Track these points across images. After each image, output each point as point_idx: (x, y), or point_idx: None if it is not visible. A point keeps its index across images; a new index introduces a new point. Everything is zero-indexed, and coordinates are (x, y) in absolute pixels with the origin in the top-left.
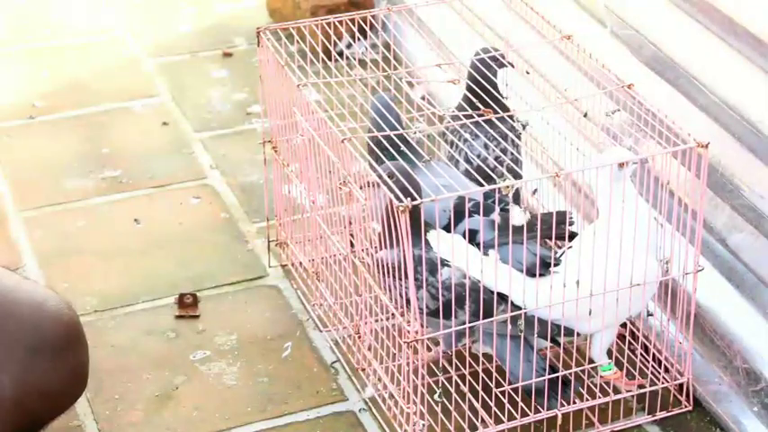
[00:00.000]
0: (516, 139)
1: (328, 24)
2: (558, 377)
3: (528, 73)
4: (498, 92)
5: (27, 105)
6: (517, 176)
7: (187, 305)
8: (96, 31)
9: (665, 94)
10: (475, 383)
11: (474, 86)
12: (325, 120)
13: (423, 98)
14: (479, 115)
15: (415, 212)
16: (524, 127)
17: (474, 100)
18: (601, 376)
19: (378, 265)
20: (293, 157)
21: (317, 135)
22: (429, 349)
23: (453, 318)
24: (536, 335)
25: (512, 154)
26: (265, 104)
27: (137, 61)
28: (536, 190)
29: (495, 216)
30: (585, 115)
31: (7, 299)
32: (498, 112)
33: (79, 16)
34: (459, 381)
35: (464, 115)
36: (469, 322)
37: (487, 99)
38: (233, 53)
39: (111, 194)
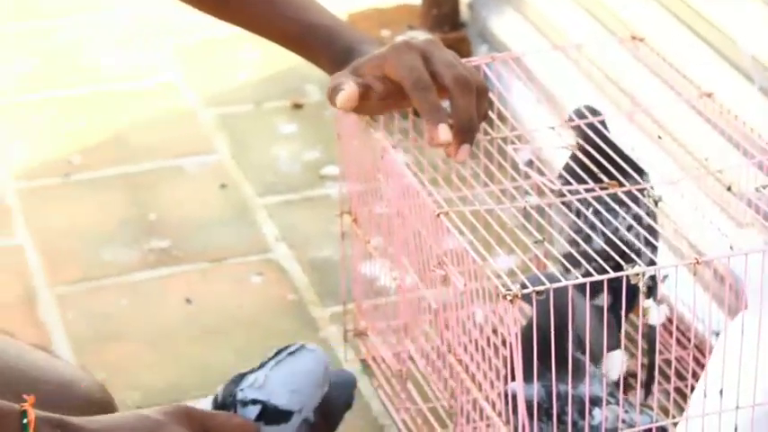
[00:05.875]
0: (648, 219)
1: None
2: None
3: (660, 138)
4: (622, 155)
5: (62, 162)
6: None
7: None
8: (144, 75)
9: None
10: None
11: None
12: (417, 189)
13: (530, 163)
14: (602, 188)
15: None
16: (656, 203)
17: (589, 163)
18: None
19: (507, 401)
20: (377, 230)
21: (405, 207)
22: None
23: None
24: None
25: (643, 237)
26: (343, 167)
27: (191, 112)
28: (666, 277)
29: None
30: (729, 189)
31: (31, 375)
32: (624, 185)
33: (124, 58)
34: None
35: (586, 189)
36: None
37: (608, 165)
38: (303, 104)
39: (159, 269)
